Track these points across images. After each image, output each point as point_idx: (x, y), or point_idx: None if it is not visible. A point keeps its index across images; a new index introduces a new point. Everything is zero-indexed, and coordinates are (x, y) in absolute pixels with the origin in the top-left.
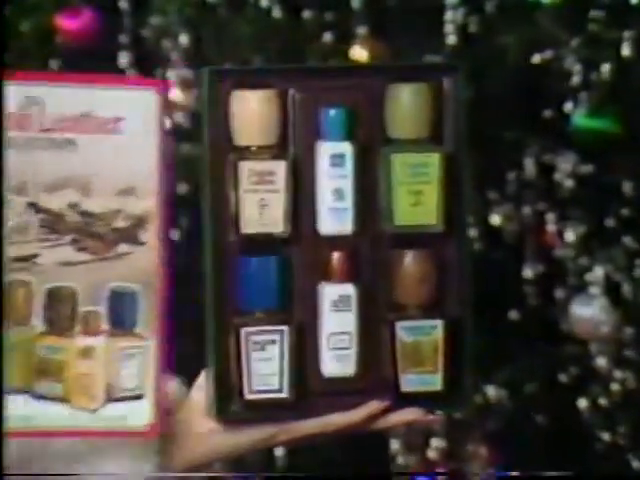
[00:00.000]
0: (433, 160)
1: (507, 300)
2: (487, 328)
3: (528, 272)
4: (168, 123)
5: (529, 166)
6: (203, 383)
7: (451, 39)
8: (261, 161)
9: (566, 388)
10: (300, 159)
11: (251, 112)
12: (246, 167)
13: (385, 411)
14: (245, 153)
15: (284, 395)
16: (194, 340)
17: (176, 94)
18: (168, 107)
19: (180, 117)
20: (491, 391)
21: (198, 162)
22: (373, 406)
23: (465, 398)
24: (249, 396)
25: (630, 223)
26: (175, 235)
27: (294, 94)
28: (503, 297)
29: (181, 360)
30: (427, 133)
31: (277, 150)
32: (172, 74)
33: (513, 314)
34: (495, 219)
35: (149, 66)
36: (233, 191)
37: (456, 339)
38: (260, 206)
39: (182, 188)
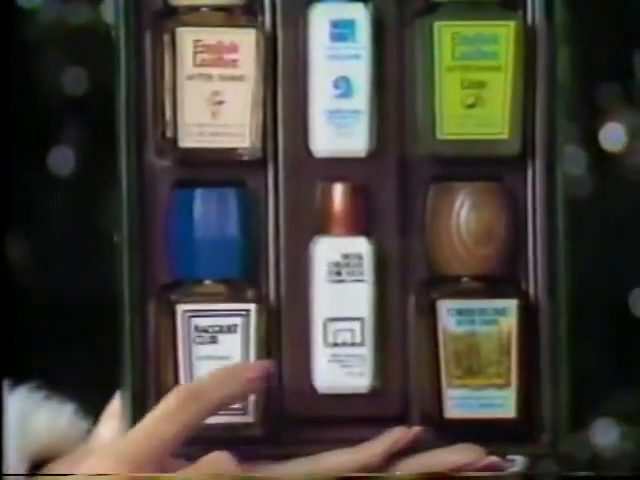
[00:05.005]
0: (505, 32)
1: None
2: (598, 320)
3: None
4: None
5: None
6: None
7: None
8: (216, 28)
9: None
10: (281, 26)
11: None
12: (190, 38)
13: (418, 446)
14: (189, 15)
15: (249, 419)
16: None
17: None
18: None
19: None
20: (602, 429)
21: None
22: (397, 436)
23: (556, 435)
24: None
25: None
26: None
27: None
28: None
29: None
30: None
31: (242, 12)
32: None
33: None
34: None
35: None
36: (169, 78)
37: (541, 332)
38: (213, 103)
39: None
